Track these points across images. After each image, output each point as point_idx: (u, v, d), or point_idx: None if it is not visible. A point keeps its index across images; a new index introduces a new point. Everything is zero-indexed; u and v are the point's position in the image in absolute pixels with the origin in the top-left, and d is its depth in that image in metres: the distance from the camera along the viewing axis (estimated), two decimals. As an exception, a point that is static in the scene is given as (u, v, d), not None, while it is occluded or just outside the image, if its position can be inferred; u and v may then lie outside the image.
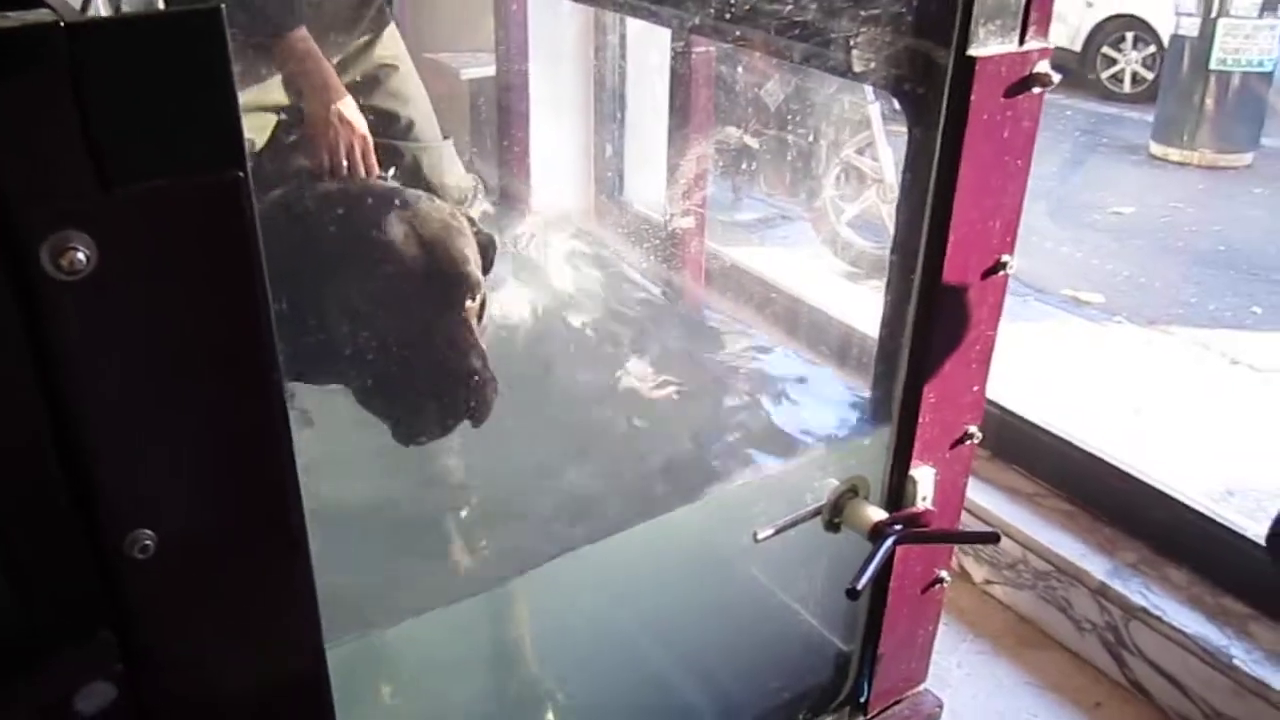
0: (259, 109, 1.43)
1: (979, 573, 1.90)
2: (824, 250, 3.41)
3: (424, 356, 1.13)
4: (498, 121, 2.45)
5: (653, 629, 1.37)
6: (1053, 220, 4.26)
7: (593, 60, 2.59)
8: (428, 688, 1.22)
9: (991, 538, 1.14)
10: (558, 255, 1.95)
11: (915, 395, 1.14)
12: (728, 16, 1.20)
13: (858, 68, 1.06)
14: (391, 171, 1.52)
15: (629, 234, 2.30)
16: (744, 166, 3.38)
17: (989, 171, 1.05)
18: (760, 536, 1.15)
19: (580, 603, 1.32)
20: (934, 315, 1.10)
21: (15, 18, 0.56)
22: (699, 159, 3.15)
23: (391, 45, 1.62)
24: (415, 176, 1.66)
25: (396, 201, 1.22)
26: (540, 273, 1.86)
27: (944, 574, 1.29)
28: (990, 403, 2.03)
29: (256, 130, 1.43)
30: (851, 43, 1.04)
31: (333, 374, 1.22)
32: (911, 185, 1.10)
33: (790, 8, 1.10)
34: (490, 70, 2.62)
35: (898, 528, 1.14)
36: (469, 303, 1.22)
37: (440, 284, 1.20)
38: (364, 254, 1.18)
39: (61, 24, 0.56)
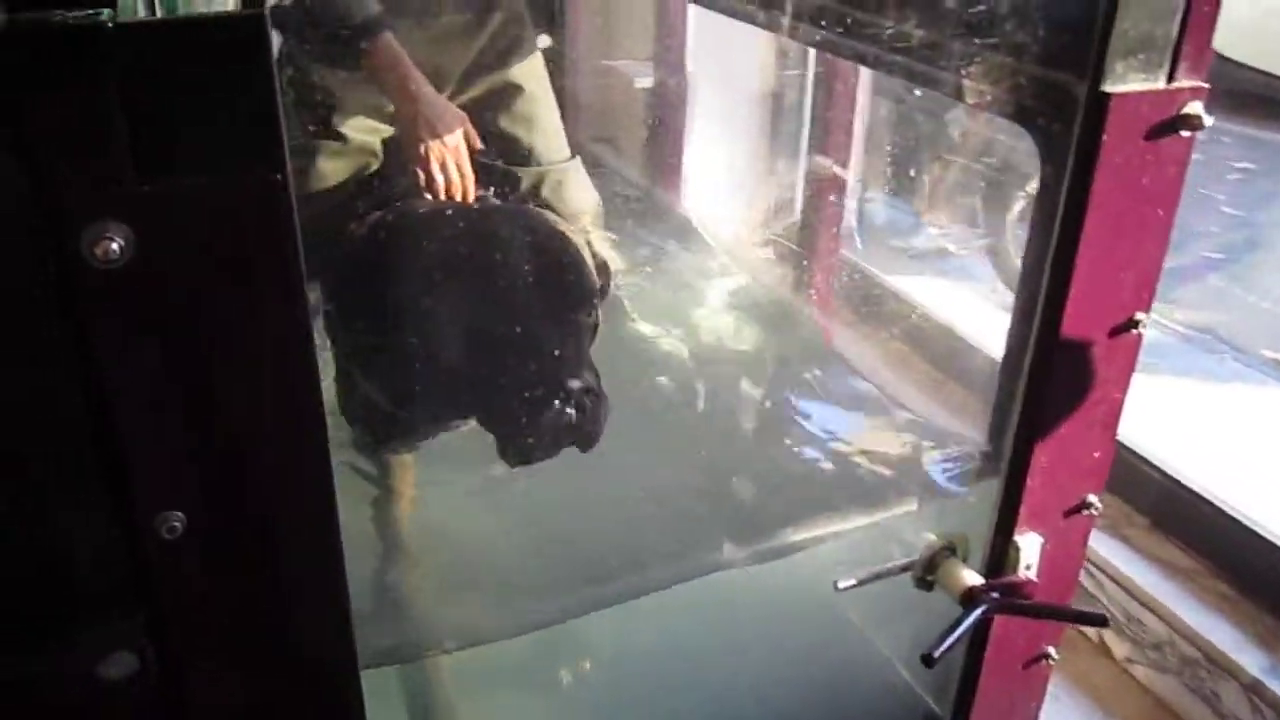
0: (378, 122, 1.46)
1: (1120, 649, 1.75)
2: (1001, 287, 3.23)
3: (534, 371, 1.12)
4: (666, 133, 2.45)
5: (738, 673, 1.33)
6: (1264, 272, 3.88)
7: (773, 77, 2.55)
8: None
9: (1098, 620, 1.04)
10: (714, 278, 1.91)
11: (1025, 455, 1.05)
12: (839, 32, 1.15)
13: (970, 98, 0.98)
14: (496, 192, 1.52)
15: (788, 258, 2.24)
16: (922, 194, 3.24)
17: (1122, 220, 0.95)
18: (841, 586, 1.09)
19: (665, 641, 1.30)
20: (1051, 371, 1.01)
21: (69, 16, 0.58)
22: (874, 184, 3.05)
23: (528, 70, 1.61)
24: (535, 200, 1.67)
25: (507, 217, 1.22)
26: (691, 295, 1.83)
27: (1051, 650, 1.19)
28: (1154, 468, 1.87)
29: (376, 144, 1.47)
30: (963, 70, 0.97)
31: (450, 405, 1.22)
32: (1039, 227, 1.01)
33: (893, 27, 1.03)
34: (670, 79, 2.62)
35: (993, 596, 1.05)
36: (582, 317, 1.21)
37: (551, 297, 1.20)
38: (472, 270, 1.19)
39: (111, 24, 0.58)
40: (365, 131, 1.51)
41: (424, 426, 1.27)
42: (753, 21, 1.44)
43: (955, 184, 3.20)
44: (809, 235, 1.87)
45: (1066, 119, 0.95)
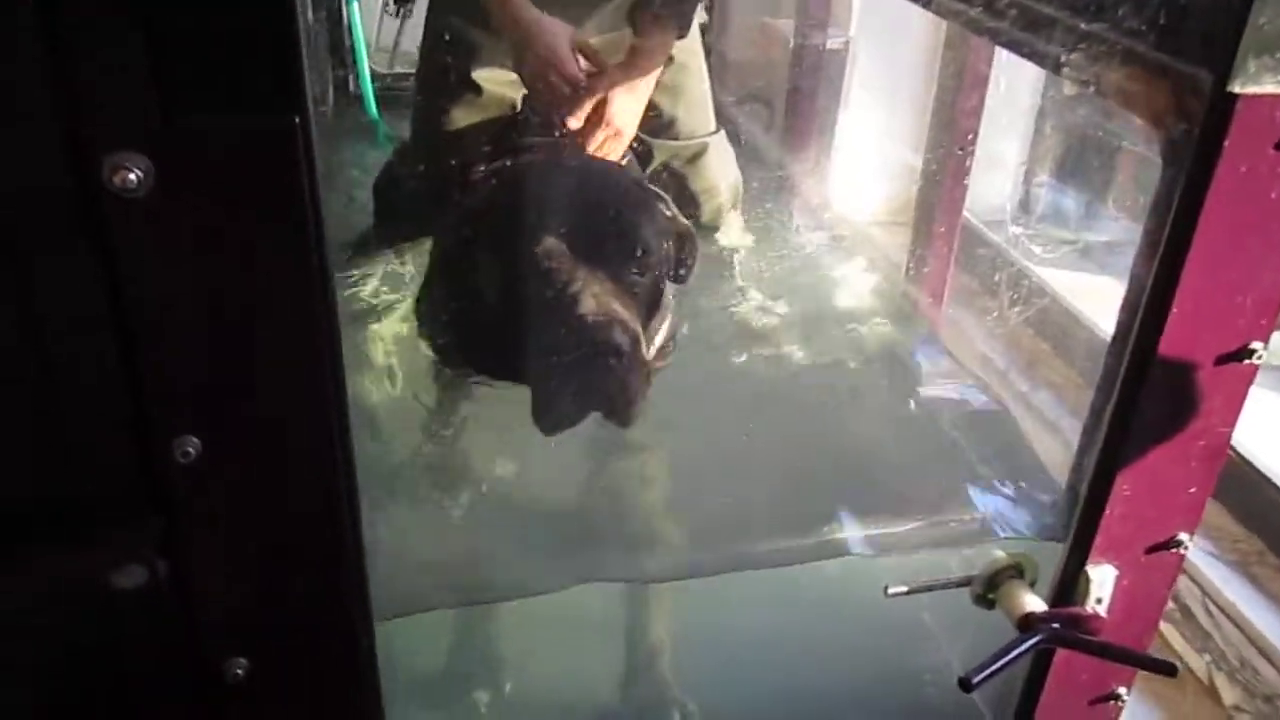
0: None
1: (1230, 694, 1.61)
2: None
3: (569, 325, 1.08)
4: (815, 99, 2.36)
5: (797, 664, 1.30)
6: None
7: (938, 45, 2.42)
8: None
9: (1166, 669, 0.95)
10: (834, 255, 1.83)
11: (1105, 482, 0.96)
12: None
13: (1090, 83, 0.89)
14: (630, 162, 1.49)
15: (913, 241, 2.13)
16: (1101, 176, 3.02)
17: (1241, 235, 0.85)
18: (891, 591, 1.04)
19: (720, 625, 1.28)
20: (1142, 394, 0.92)
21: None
22: (1049, 164, 2.87)
23: (683, 41, 1.54)
24: (668, 173, 1.63)
25: (568, 165, 1.19)
26: (806, 273, 1.76)
27: (1122, 692, 1.10)
28: (1296, 506, 1.70)
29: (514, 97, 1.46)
30: (1083, 51, 0.88)
31: (502, 363, 1.21)
32: (1150, 235, 0.92)
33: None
34: (831, 42, 2.52)
35: (1052, 626, 0.98)
36: (632, 275, 1.15)
37: (598, 245, 1.14)
38: (530, 223, 1.16)
39: (135, -41, 0.59)
40: (502, 84, 1.51)
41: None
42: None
43: (1132, 175, 2.97)
44: (928, 216, 1.77)
45: (1191, 118, 0.86)
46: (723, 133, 1.68)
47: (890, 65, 2.45)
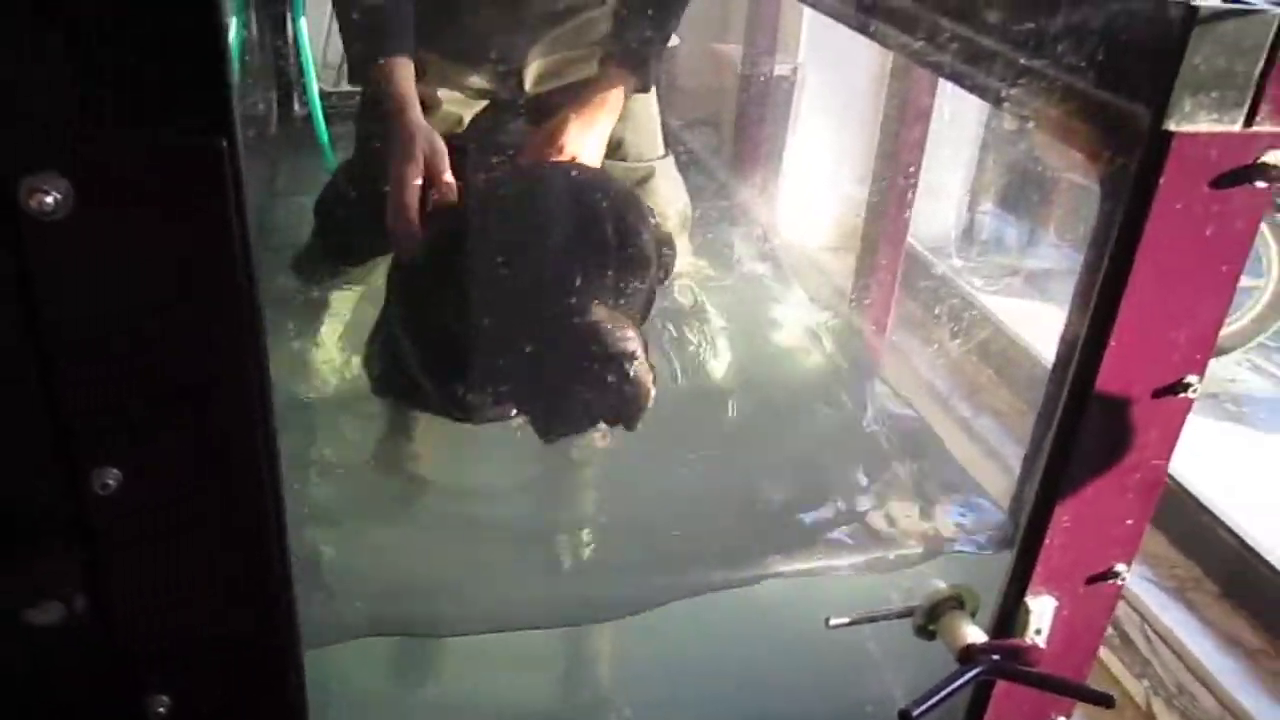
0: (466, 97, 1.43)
1: (1167, 722, 1.63)
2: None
3: (572, 332, 1.05)
4: (761, 125, 2.37)
5: (733, 693, 1.28)
6: None
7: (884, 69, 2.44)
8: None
9: (1104, 700, 0.96)
10: (775, 283, 1.83)
11: (1045, 512, 0.97)
12: (911, 35, 1.07)
13: (1030, 117, 0.90)
14: None
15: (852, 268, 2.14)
16: (1043, 206, 3.08)
17: (1177, 271, 0.86)
18: (833, 623, 1.03)
19: (660, 651, 1.26)
20: (1080, 426, 0.93)
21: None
22: (987, 196, 2.91)
23: None
24: None
25: (565, 175, 1.17)
26: (747, 299, 1.76)
27: (1062, 721, 1.11)
28: (1230, 532, 1.73)
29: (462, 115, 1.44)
30: (1023, 84, 0.89)
31: (499, 387, 1.18)
32: (1089, 267, 0.93)
33: (952, 29, 0.95)
34: (779, 69, 2.54)
35: (993, 658, 0.98)
36: (634, 283, 1.14)
37: (601, 252, 1.12)
38: (517, 228, 1.14)
39: (57, -28, 0.57)
40: (452, 102, 1.49)
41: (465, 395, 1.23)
42: (834, 16, 1.37)
43: (1073, 205, 3.03)
44: (872, 245, 1.79)
45: (1128, 155, 0.87)
46: (671, 157, 1.67)
47: (839, 92, 2.47)
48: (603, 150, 1.40)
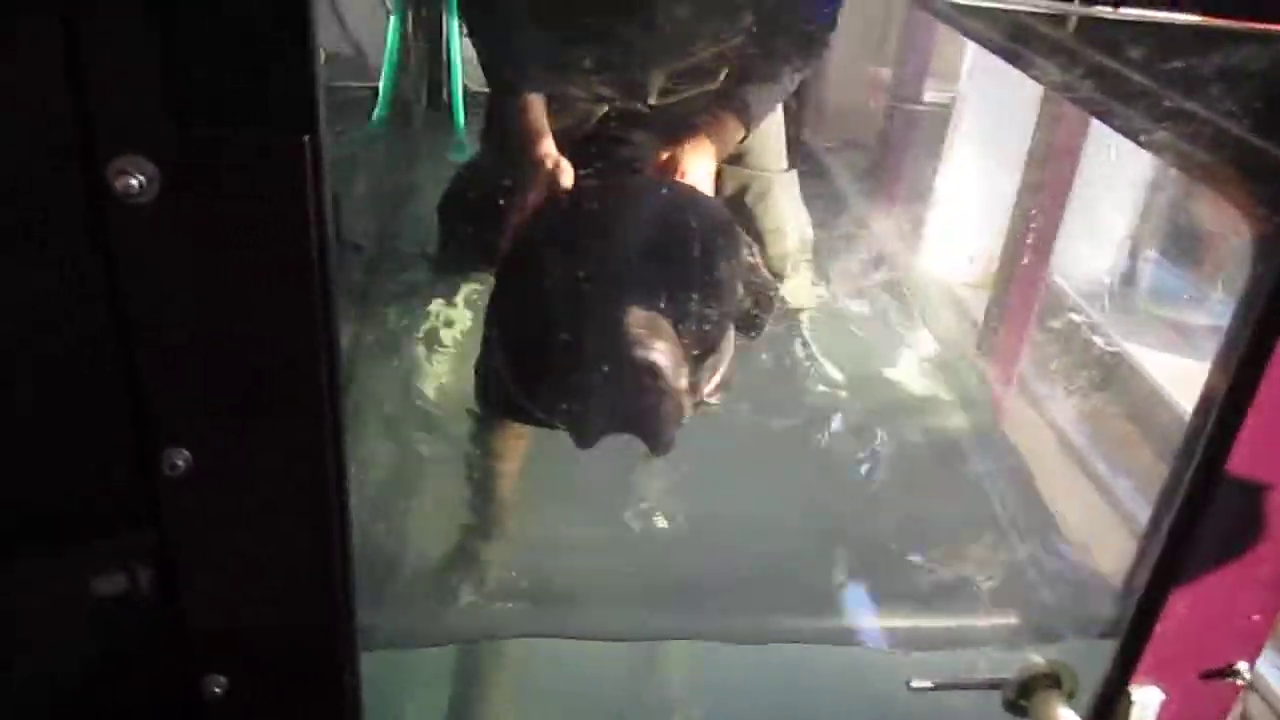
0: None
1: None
2: None
3: (610, 337, 1.04)
4: (912, 153, 2.29)
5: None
6: None
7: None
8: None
9: (1208, 812, 0.86)
10: (902, 322, 1.75)
11: (1158, 596, 0.88)
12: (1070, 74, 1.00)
13: (1183, 167, 0.83)
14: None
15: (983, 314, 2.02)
16: (1212, 257, 2.86)
17: (1331, 346, 0.77)
18: (914, 685, 0.97)
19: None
20: (1206, 505, 0.84)
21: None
22: (1157, 238, 2.73)
23: None
24: (738, 201, 1.59)
25: (653, 185, 1.15)
26: (870, 336, 1.68)
27: (1163, 826, 1.01)
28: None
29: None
30: (1179, 132, 0.81)
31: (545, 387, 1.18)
32: (1232, 336, 0.84)
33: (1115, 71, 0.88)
34: (937, 96, 2.45)
35: (1086, 747, 0.91)
36: (694, 304, 1.10)
37: (664, 266, 1.10)
38: (600, 231, 1.12)
39: (159, -34, 0.58)
40: (582, 101, 1.49)
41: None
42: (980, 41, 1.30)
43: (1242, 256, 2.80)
44: (1005, 285, 1.69)
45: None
46: (794, 174, 1.63)
47: (998, 124, 2.36)
48: (709, 183, 1.39)
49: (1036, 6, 1.20)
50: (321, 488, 0.74)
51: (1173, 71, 0.84)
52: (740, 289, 1.19)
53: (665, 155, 1.34)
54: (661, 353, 1.03)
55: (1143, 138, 0.90)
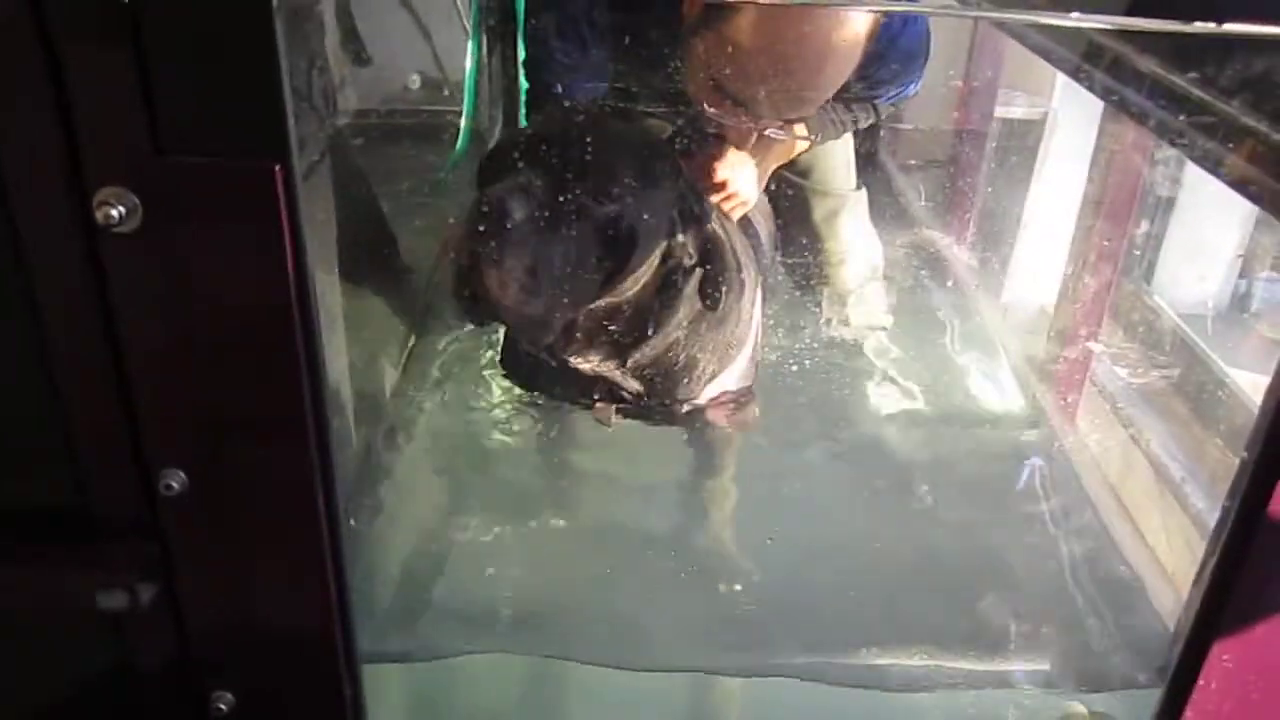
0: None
1: None
2: None
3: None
4: (999, 172, 2.21)
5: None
6: None
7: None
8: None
9: None
10: (970, 348, 1.68)
11: (1201, 648, 0.82)
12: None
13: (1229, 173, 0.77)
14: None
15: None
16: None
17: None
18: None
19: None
20: (1251, 552, 0.78)
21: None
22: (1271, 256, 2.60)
23: None
24: (807, 220, 1.57)
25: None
26: (938, 365, 1.62)
27: None
28: None
29: None
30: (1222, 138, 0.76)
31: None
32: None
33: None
34: (1028, 113, 2.37)
35: (1123, 805, 0.84)
36: (600, 205, 1.03)
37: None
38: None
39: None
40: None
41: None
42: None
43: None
44: (1069, 310, 1.61)
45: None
46: (864, 193, 1.60)
47: (1088, 140, 2.26)
48: (757, 182, 1.38)
49: (1130, 24, 1.13)
50: (311, 505, 0.75)
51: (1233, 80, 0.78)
52: (667, 215, 1.11)
53: (717, 151, 1.33)
54: (522, 200, 0.98)
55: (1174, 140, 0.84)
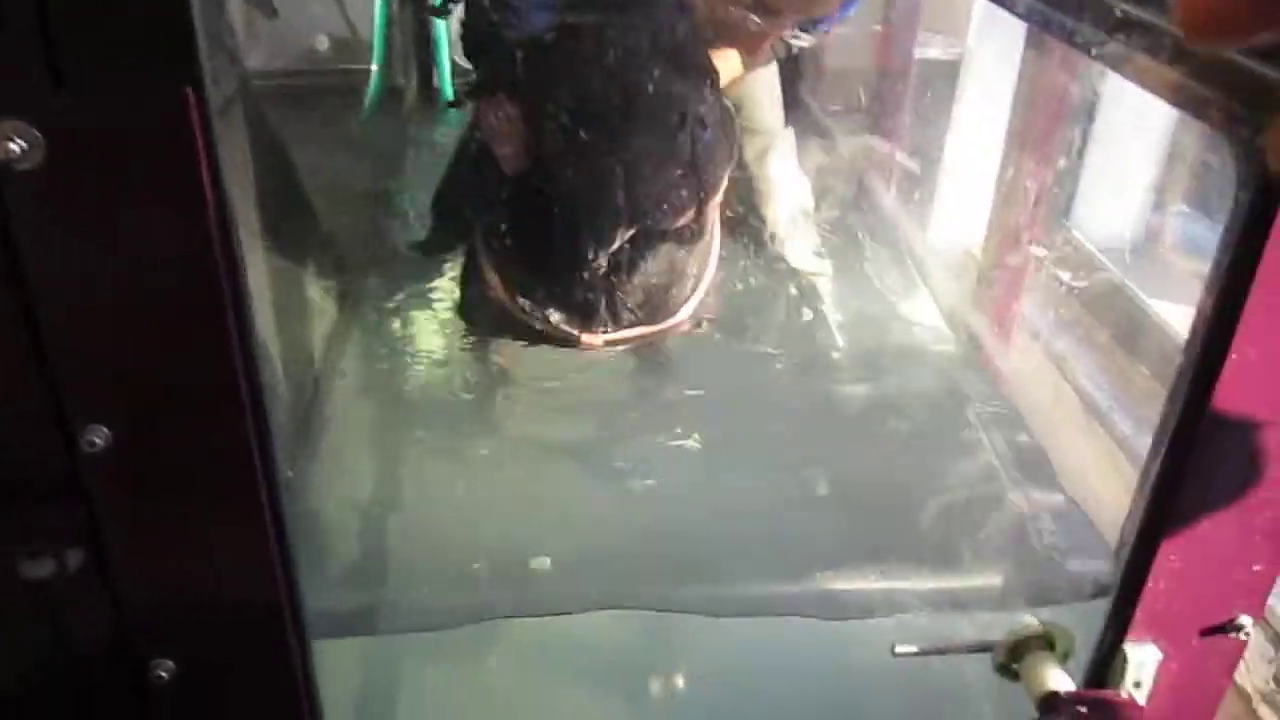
0: None
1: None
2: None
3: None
4: (914, 114, 2.22)
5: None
6: None
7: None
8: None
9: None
10: (895, 284, 1.69)
11: (1149, 548, 0.83)
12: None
13: (1154, 84, 0.77)
14: None
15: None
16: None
17: (1317, 270, 0.72)
18: (899, 651, 0.93)
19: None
20: (1193, 448, 0.79)
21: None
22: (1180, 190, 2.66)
23: None
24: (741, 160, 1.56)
25: None
26: (861, 298, 1.63)
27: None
28: None
29: None
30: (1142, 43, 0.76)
31: None
32: (1218, 264, 0.79)
33: None
34: (941, 53, 2.38)
35: (1078, 709, 0.86)
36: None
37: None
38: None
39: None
40: None
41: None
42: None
43: None
44: (997, 243, 1.63)
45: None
46: (790, 134, 1.59)
47: (1005, 80, 2.28)
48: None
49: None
50: (246, 461, 0.71)
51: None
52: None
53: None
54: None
55: (1094, 51, 0.84)
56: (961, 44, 2.36)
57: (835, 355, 1.40)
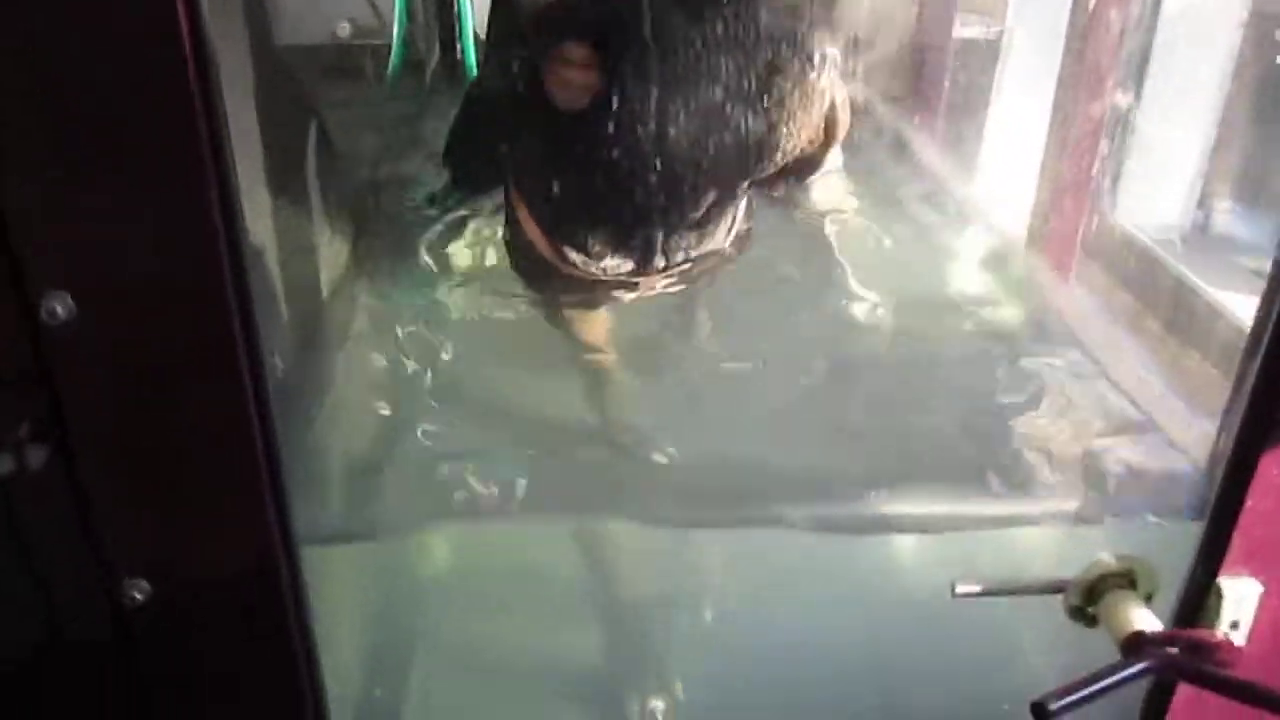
0: None
1: None
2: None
3: None
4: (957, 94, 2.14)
5: (849, 652, 1.09)
6: None
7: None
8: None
9: (1321, 720, 0.71)
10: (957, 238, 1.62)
11: (1247, 467, 0.73)
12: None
13: None
14: None
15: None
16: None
17: None
18: (959, 591, 0.83)
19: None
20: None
21: None
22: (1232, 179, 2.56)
23: None
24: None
25: None
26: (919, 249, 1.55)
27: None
28: None
29: None
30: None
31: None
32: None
33: None
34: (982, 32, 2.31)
35: (1168, 651, 0.75)
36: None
37: None
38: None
39: None
40: None
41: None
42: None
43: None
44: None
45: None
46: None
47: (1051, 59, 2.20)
48: None
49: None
50: (229, 346, 0.63)
51: None
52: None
53: None
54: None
55: None
56: (1000, 24, 2.30)
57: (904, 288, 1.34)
